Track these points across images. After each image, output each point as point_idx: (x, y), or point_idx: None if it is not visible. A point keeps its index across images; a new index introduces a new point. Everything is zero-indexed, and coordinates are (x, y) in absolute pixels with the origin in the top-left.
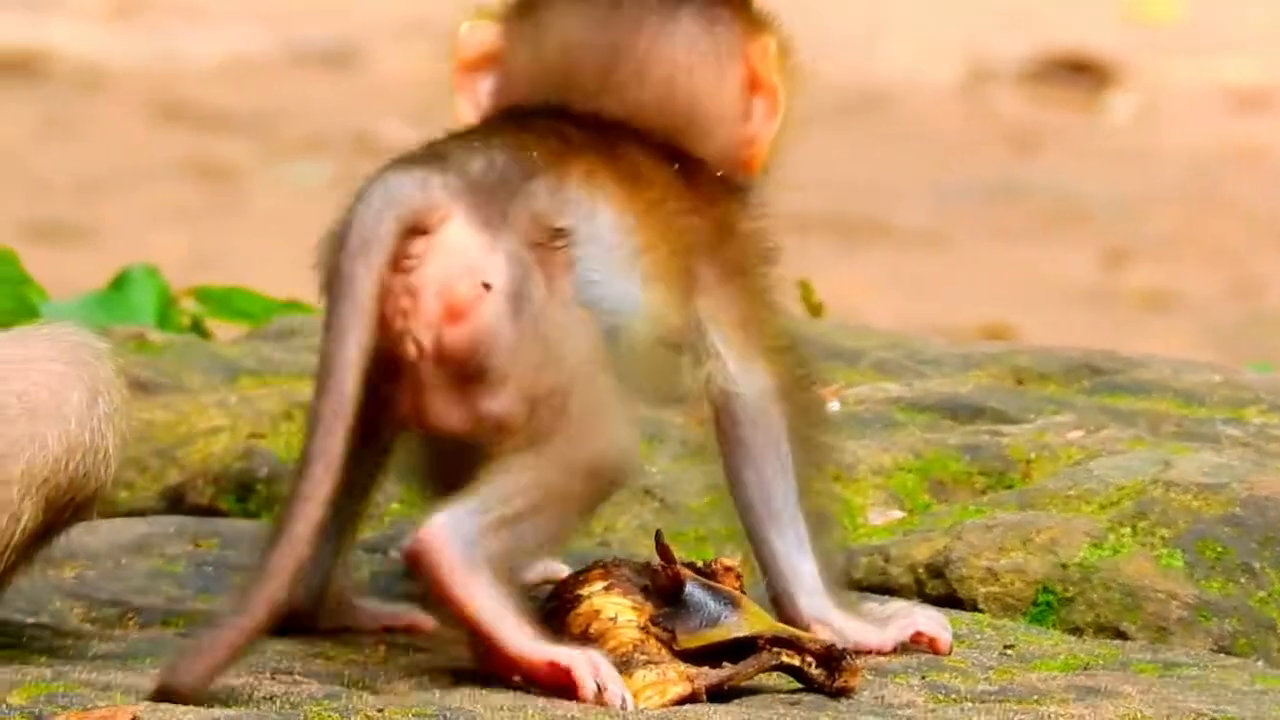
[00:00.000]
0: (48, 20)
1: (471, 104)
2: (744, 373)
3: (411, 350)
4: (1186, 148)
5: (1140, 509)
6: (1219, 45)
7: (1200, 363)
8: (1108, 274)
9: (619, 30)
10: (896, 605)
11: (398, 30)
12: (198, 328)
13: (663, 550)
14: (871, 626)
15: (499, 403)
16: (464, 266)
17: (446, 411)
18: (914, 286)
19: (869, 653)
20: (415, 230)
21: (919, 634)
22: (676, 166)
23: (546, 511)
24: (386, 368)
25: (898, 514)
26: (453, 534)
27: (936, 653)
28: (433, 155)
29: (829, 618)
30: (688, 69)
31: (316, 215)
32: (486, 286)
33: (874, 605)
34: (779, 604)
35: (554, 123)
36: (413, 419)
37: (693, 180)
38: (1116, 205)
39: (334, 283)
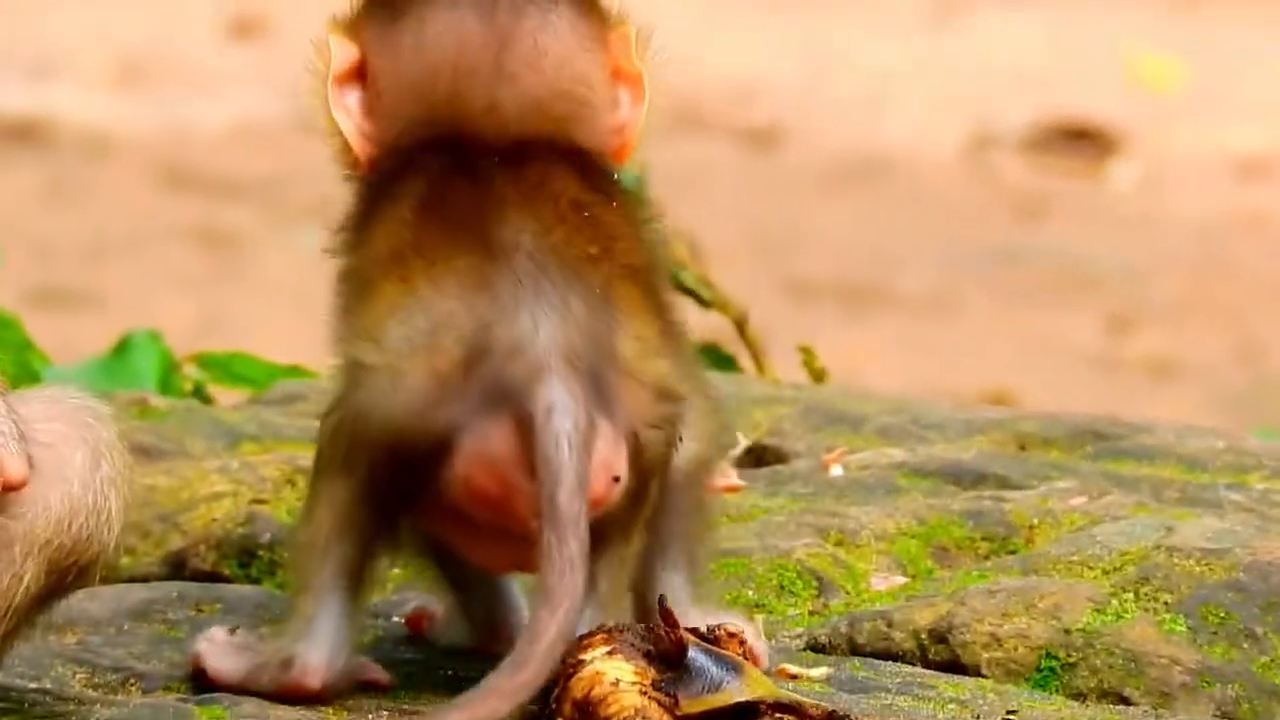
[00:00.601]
0: (52, 87)
1: (348, 118)
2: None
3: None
4: (1191, 214)
5: (1143, 574)
6: (1223, 113)
7: (1203, 428)
8: (1113, 340)
9: (504, 23)
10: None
11: None
12: (200, 393)
13: (666, 615)
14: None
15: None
16: (600, 465)
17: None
18: (918, 352)
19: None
20: None
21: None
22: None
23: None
24: (468, 523)
25: (900, 579)
26: None
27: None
28: (541, 338)
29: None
30: (571, 58)
31: (321, 281)
32: (616, 479)
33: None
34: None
35: (528, 186)
36: (499, 565)
37: (616, 200)
38: (1121, 271)
39: (555, 520)
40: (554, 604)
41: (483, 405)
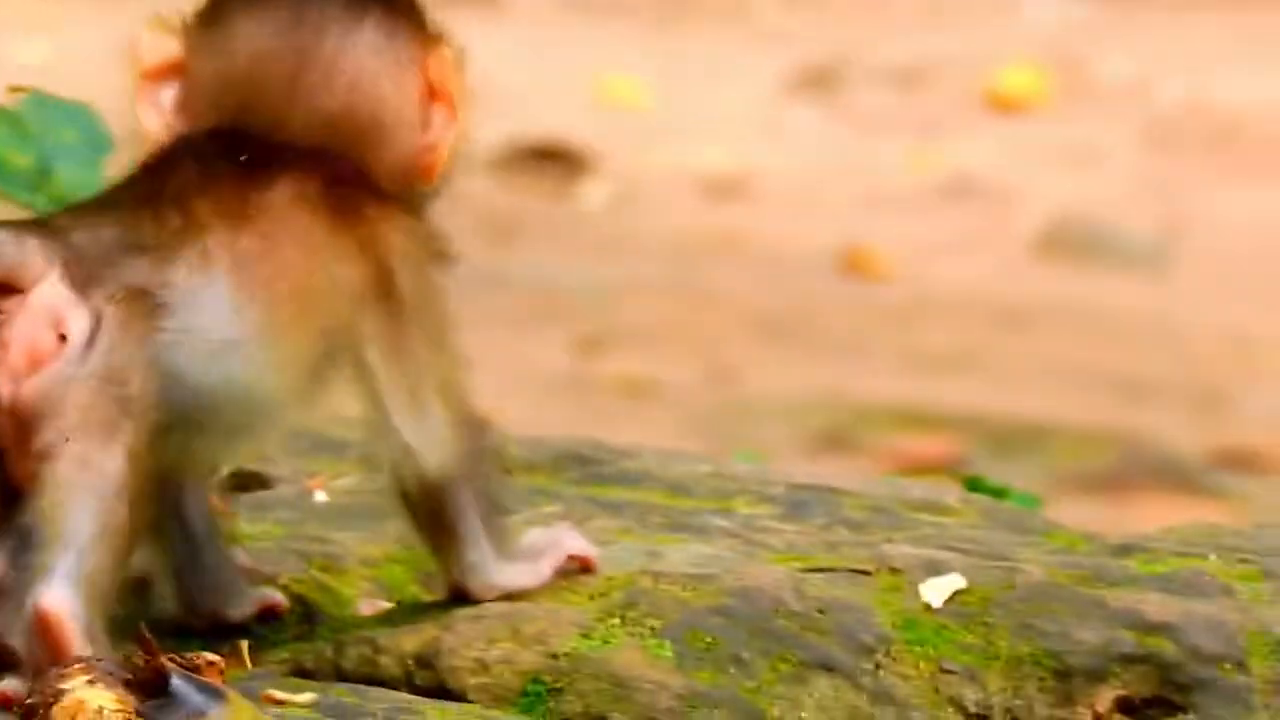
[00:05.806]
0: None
1: (154, 114)
2: (423, 446)
3: None
4: (661, 235)
5: (630, 599)
6: (690, 133)
7: (689, 453)
8: (583, 362)
9: (304, 38)
10: (541, 535)
11: None
12: None
13: (145, 644)
14: (526, 568)
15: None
16: (48, 320)
17: (19, 465)
18: None
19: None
20: (9, 288)
21: (570, 557)
22: (339, 199)
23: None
24: None
25: (385, 604)
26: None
27: (587, 570)
28: (38, 223)
29: (494, 582)
30: (371, 76)
31: None
32: (63, 338)
33: (528, 539)
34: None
35: (196, 179)
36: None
37: (358, 213)
38: (593, 293)
39: None
40: None
41: None
